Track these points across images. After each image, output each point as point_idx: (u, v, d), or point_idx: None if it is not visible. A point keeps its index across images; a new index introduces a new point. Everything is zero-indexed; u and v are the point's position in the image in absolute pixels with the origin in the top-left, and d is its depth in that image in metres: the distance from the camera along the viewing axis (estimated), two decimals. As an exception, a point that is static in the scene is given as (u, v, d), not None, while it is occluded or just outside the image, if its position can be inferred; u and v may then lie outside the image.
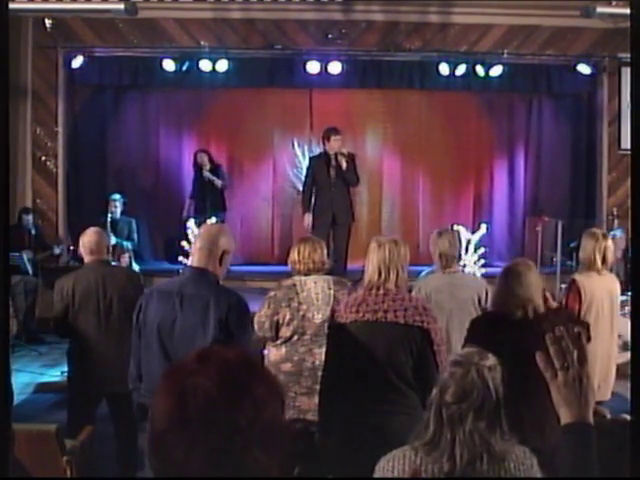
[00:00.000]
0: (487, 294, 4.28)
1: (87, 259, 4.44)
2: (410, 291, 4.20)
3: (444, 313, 4.19)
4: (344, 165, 7.87)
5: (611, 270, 5.25)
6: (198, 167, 9.19)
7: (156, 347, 3.13)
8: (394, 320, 3.08)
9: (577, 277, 4.57)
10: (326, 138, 8.05)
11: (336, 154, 7.91)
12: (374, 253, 3.18)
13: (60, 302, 4.35)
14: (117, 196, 8.55)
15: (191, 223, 8.16)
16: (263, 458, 1.14)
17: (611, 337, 4.38)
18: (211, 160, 9.20)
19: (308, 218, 7.97)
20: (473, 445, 1.91)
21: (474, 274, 7.02)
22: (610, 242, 4.47)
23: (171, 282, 3.32)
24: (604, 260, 4.42)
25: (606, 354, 4.29)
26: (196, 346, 2.91)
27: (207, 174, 8.97)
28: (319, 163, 8.12)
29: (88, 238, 4.42)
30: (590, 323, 4.35)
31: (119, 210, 8.48)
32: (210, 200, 8.97)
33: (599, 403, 3.93)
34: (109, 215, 8.33)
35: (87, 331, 4.31)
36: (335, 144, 7.94)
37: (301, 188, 8.94)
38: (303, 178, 8.80)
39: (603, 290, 4.39)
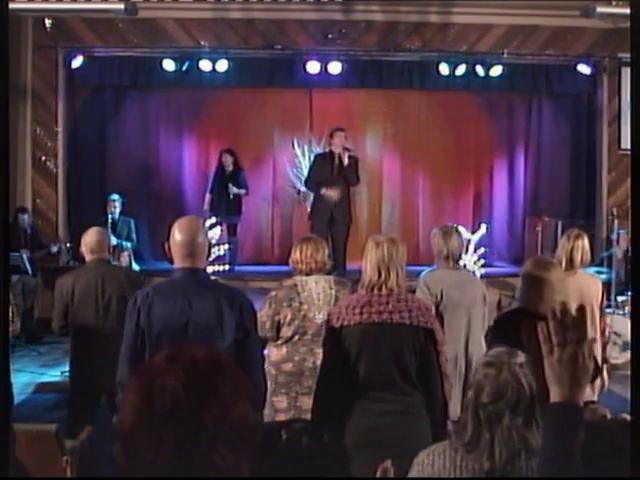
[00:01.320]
0: (486, 290, 4.44)
1: (88, 258, 4.47)
2: (413, 291, 4.19)
3: (461, 309, 4.22)
4: (346, 161, 7.89)
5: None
6: (221, 166, 9.23)
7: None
8: (400, 321, 3.07)
9: None
10: (330, 135, 8.16)
11: (339, 152, 7.96)
12: (372, 252, 3.16)
13: (60, 300, 4.38)
14: (116, 196, 8.54)
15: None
16: (231, 457, 1.15)
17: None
18: (235, 162, 9.22)
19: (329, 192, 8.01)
20: (511, 442, 1.94)
21: (478, 274, 7.05)
22: (580, 243, 4.45)
23: (168, 284, 3.19)
24: (571, 260, 4.41)
25: None
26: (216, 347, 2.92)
27: (232, 189, 9.00)
28: (323, 161, 8.16)
29: (90, 237, 4.45)
30: None
31: (118, 210, 8.48)
32: (227, 202, 9.02)
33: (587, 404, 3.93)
34: (109, 215, 8.33)
35: (86, 330, 4.32)
36: (338, 140, 7.98)
37: (303, 186, 9.03)
38: (304, 177, 8.86)
39: (570, 290, 4.38)
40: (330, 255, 4.30)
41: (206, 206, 9.17)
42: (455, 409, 4.17)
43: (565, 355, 1.44)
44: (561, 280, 3.45)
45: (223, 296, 3.09)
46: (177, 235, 3.10)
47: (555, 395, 1.45)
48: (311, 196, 8.71)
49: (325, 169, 8.04)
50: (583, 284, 4.43)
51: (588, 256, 4.52)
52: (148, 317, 3.07)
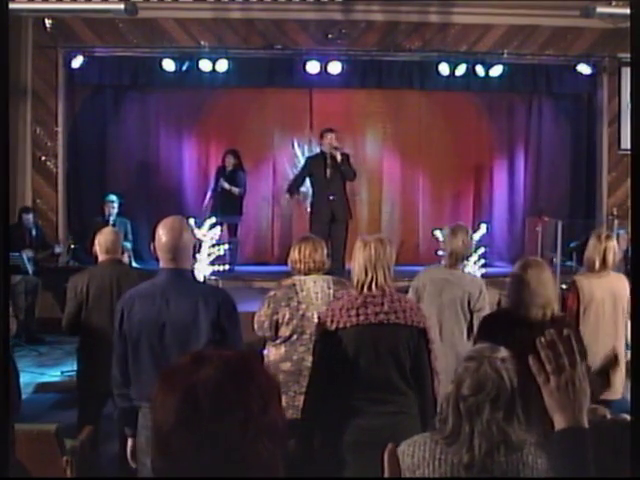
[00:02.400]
0: (481, 295, 4.27)
1: (102, 257, 4.45)
2: (406, 291, 4.22)
3: (433, 308, 4.19)
4: (338, 157, 7.89)
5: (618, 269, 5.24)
6: (223, 166, 9.22)
7: (146, 353, 3.05)
8: (396, 321, 3.08)
9: (577, 278, 4.58)
10: (320, 136, 8.19)
11: (330, 152, 7.95)
12: (359, 252, 3.17)
13: (73, 299, 4.35)
14: (113, 197, 8.53)
15: (191, 222, 8.11)
16: (272, 447, 1.15)
17: (615, 337, 4.38)
18: (237, 163, 9.17)
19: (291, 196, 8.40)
20: (491, 435, 1.95)
21: (478, 274, 7.02)
22: (612, 243, 4.46)
23: (151, 286, 3.16)
24: (604, 261, 4.43)
25: (608, 355, 4.29)
26: (189, 348, 2.88)
27: (224, 183, 8.95)
28: (316, 162, 8.15)
29: (105, 237, 4.45)
30: (590, 325, 4.36)
31: (115, 211, 8.47)
32: (226, 203, 8.95)
33: (608, 402, 3.92)
34: (110, 217, 8.32)
35: (100, 329, 4.27)
36: (327, 140, 7.99)
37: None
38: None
39: (604, 291, 4.39)
40: (329, 255, 4.30)
41: (205, 205, 9.14)
42: None
43: (562, 381, 1.44)
44: (543, 283, 3.37)
45: (201, 296, 3.06)
46: (160, 236, 3.08)
47: (559, 422, 1.45)
48: (311, 196, 8.71)
49: (319, 170, 8.04)
50: (615, 285, 4.43)
51: (618, 257, 4.55)
52: (129, 319, 3.08)
